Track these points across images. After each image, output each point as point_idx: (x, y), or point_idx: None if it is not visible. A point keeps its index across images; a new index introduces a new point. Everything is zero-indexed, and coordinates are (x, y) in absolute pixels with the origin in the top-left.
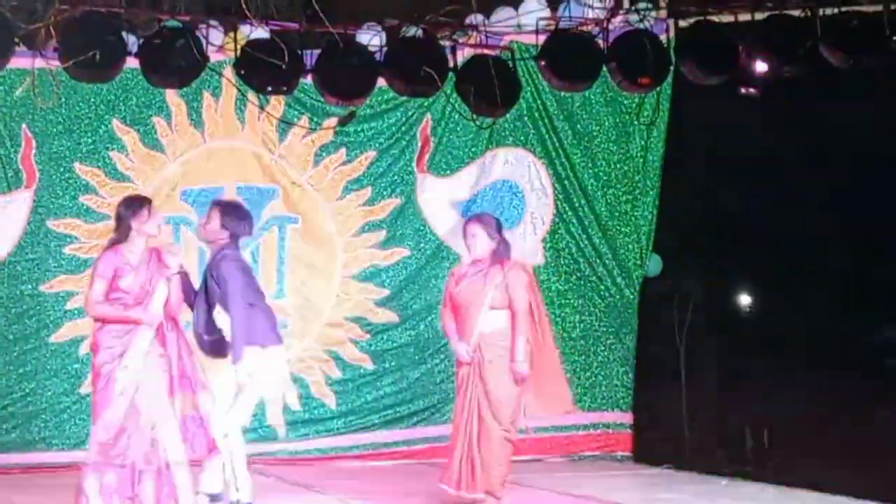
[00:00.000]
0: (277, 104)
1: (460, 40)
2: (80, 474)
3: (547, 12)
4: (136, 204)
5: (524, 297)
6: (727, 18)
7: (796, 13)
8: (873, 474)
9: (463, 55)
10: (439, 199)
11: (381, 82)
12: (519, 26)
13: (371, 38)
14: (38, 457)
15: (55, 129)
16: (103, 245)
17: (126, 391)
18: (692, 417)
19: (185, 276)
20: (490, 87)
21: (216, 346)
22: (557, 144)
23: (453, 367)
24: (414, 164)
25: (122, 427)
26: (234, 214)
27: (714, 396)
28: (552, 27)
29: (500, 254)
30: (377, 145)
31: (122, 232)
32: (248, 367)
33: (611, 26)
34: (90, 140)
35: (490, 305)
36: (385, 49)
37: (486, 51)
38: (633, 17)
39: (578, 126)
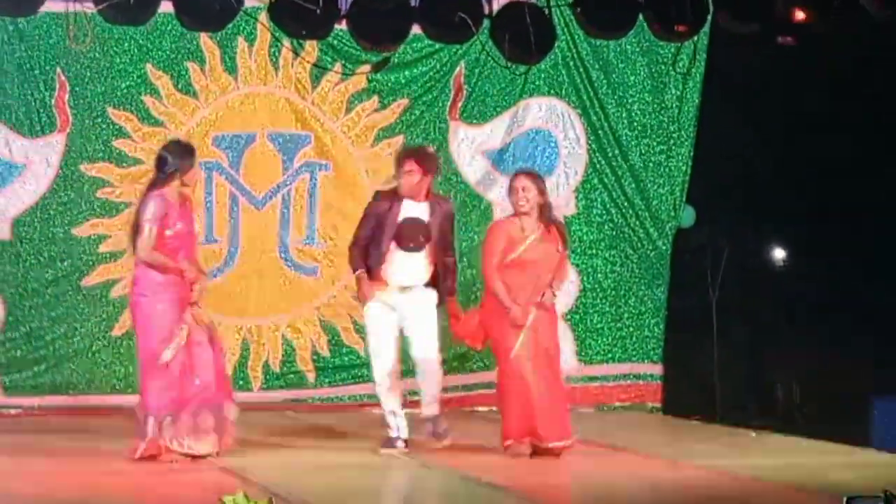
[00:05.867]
0: (311, 50)
1: None
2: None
3: None
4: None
5: None
6: None
7: None
8: None
9: (498, 2)
10: (471, 147)
11: (416, 29)
12: None
13: None
14: (69, 399)
15: (89, 74)
16: (142, 189)
17: None
18: (723, 370)
19: None
20: (525, 34)
21: None
22: (592, 94)
23: None
24: (447, 113)
25: None
26: None
27: (745, 349)
28: None
29: (548, 210)
30: (410, 93)
31: (168, 177)
32: None
33: None
34: (123, 84)
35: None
36: None
37: None
38: None
39: (613, 75)
